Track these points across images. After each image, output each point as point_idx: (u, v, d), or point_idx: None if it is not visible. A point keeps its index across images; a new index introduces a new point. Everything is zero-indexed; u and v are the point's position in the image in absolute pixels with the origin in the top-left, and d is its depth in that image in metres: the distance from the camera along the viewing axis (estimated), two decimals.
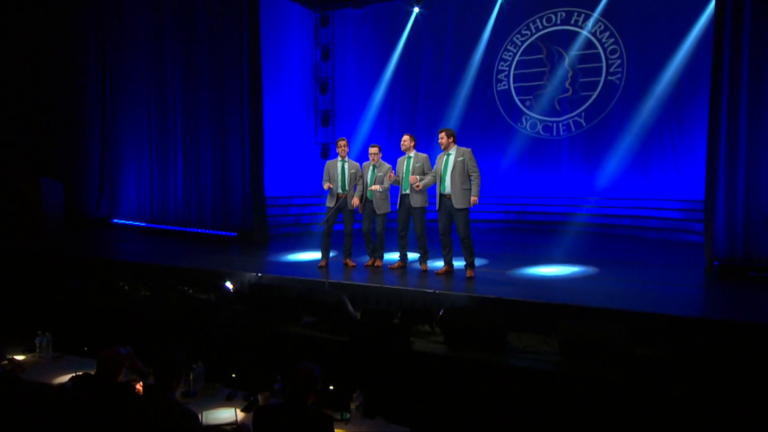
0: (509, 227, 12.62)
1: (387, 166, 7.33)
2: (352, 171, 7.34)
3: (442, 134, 6.76)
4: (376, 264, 7.38)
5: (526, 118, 13.16)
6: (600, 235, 11.18)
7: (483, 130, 13.52)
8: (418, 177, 6.92)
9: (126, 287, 6.52)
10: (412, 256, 7.41)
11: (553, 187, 12.79)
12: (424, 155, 7.10)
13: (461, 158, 6.67)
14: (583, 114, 12.57)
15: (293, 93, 14.13)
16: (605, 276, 6.88)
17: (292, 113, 13.98)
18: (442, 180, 6.75)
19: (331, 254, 7.89)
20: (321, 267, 7.33)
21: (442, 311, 5.30)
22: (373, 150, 7.35)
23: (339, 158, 7.43)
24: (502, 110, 13.41)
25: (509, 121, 13.32)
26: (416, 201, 7.00)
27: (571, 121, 12.68)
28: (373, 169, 7.36)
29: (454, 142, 6.82)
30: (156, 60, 11.27)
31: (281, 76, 13.73)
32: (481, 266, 7.37)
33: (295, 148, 13.86)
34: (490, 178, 13.01)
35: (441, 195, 6.78)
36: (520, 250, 9.46)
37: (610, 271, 7.24)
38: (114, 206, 12.29)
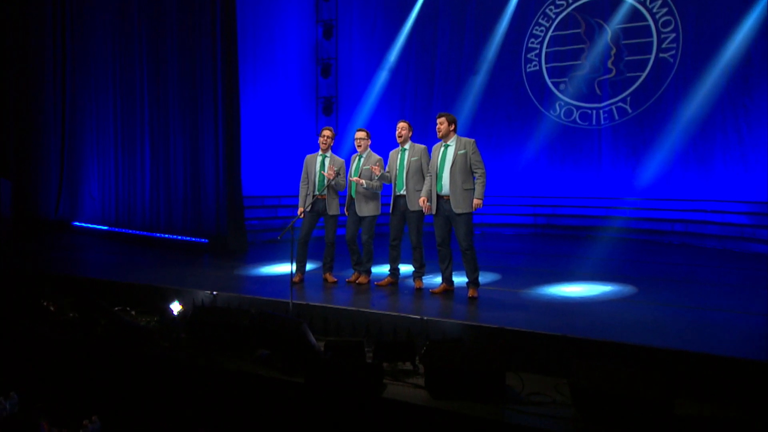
0: (537, 233, 12.09)
1: (376, 157, 6.70)
2: (334, 168, 6.65)
3: (442, 119, 6.08)
4: (359, 280, 6.75)
5: (560, 105, 12.60)
6: (646, 244, 10.49)
7: (509, 119, 13.03)
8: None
9: (51, 308, 5.93)
10: (406, 269, 6.74)
11: (591, 185, 12.17)
12: (422, 147, 6.46)
13: (462, 151, 5.96)
14: (628, 99, 11.97)
15: (290, 76, 13.61)
16: (644, 298, 6.13)
17: (288, 99, 13.47)
18: (438, 177, 6.06)
19: (312, 267, 7.32)
20: (294, 283, 6.66)
21: (427, 344, 4.60)
22: (359, 135, 6.70)
23: (320, 152, 6.79)
24: (531, 95, 12.89)
25: (540, 107, 12.78)
26: (413, 203, 6.35)
27: (613, 107, 12.08)
28: (360, 160, 6.69)
29: (455, 131, 6.14)
30: (121, 36, 10.83)
31: (275, 56, 13.21)
32: (489, 284, 6.77)
33: (291, 140, 13.27)
34: (516, 174, 12.65)
35: (438, 196, 6.12)
36: (543, 263, 8.80)
37: (651, 291, 6.50)
38: (75, 207, 11.89)
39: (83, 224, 11.62)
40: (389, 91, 13.91)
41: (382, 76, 13.92)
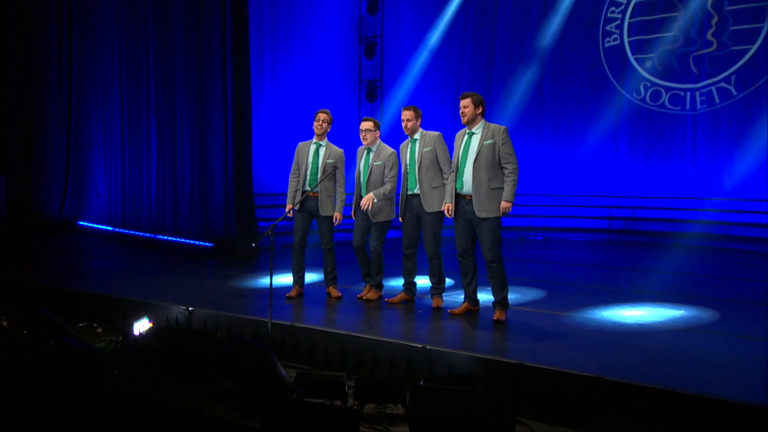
0: (612, 240, 11.62)
1: (389, 151, 6.22)
2: (330, 161, 6.25)
3: (467, 101, 5.51)
4: (368, 296, 6.29)
5: (645, 86, 11.98)
6: (747, 256, 9.69)
7: (583, 103, 12.53)
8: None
9: (5, 323, 5.71)
10: (424, 283, 6.24)
11: (682, 183, 11.53)
12: (435, 134, 5.97)
13: (490, 141, 5.41)
14: (732, 78, 11.28)
15: (329, 57, 13.30)
16: (724, 328, 5.35)
17: (326, 84, 13.13)
18: (459, 173, 5.53)
19: (318, 278, 6.94)
20: (289, 297, 6.35)
21: (422, 383, 4.12)
22: (365, 125, 6.24)
23: (314, 139, 6.36)
24: (610, 75, 12.33)
25: (620, 89, 12.21)
26: (431, 203, 5.84)
27: (714, 88, 11.42)
28: (368, 155, 6.23)
29: (483, 115, 5.57)
30: (127, 16, 10.84)
31: (312, 34, 12.94)
32: (527, 303, 6.25)
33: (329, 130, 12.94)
34: (589, 169, 12.24)
35: (459, 195, 5.57)
36: (607, 277, 8.23)
37: (736, 319, 5.70)
38: (81, 205, 11.95)
39: (89, 224, 11.69)
40: (442, 73, 13.50)
41: (434, 57, 13.48)
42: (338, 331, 5.15)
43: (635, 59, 11.95)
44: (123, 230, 10.80)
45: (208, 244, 9.00)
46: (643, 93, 11.89)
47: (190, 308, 5.83)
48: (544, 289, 6.83)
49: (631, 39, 12.00)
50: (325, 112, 6.34)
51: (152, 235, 10.03)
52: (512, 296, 6.25)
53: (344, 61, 13.66)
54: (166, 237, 9.82)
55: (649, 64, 11.83)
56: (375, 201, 5.97)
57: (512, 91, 12.71)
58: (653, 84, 11.79)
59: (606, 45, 12.24)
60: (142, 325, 5.57)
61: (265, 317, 5.45)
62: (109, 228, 11.10)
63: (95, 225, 11.50)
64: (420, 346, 4.72)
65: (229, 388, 4.61)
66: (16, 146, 11.50)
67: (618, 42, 12.13)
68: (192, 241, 9.32)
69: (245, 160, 8.94)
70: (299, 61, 12.67)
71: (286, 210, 6.26)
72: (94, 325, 6.06)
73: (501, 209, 5.34)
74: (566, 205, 12.10)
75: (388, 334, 5.13)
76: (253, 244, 5.75)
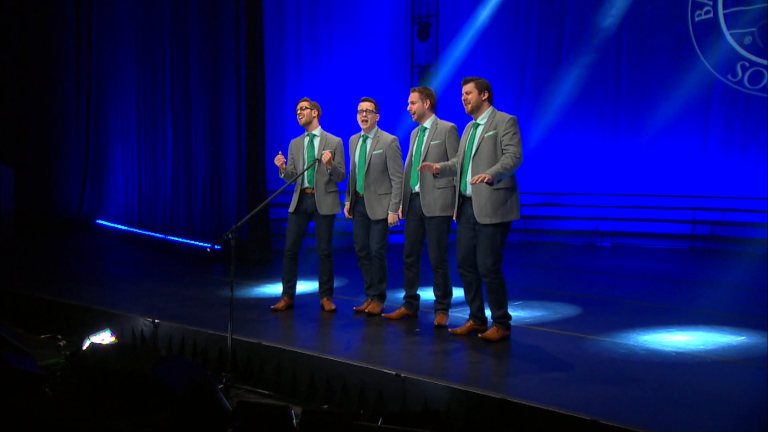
0: (695, 248, 11.17)
1: (389, 138, 5.91)
2: (326, 151, 6.00)
3: (469, 86, 5.17)
4: (369, 309, 5.95)
5: (742, 66, 11.51)
6: None
7: (666, 88, 12.19)
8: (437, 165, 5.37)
9: None
10: (428, 296, 5.91)
11: None
12: (448, 125, 5.56)
13: (491, 132, 5.03)
14: None
15: (377, 39, 13.22)
16: None
17: (374, 69, 13.03)
18: (462, 171, 5.16)
19: (311, 288, 6.79)
20: (276, 310, 6.10)
21: (381, 421, 3.80)
22: (364, 106, 5.91)
23: (306, 132, 6.17)
24: (700, 54, 11.96)
25: (712, 71, 11.86)
26: (431, 206, 5.46)
27: None
28: (365, 142, 5.96)
29: (489, 102, 5.18)
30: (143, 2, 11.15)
31: (358, 12, 12.90)
32: (552, 323, 5.82)
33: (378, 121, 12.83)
34: (672, 165, 12.03)
35: (462, 197, 5.19)
36: (668, 293, 7.65)
37: None
38: (101, 202, 12.22)
39: (107, 223, 11.94)
40: (504, 57, 13.33)
41: (495, 39, 13.26)
42: (307, 352, 4.81)
43: (731, 35, 11.60)
44: (138, 230, 10.99)
45: (218, 246, 8.89)
46: (740, 75, 11.51)
47: (156, 320, 5.67)
48: (582, 305, 6.35)
49: (726, 11, 11.60)
50: (305, 101, 6.15)
51: (165, 236, 10.14)
52: (539, 313, 6.01)
53: (394, 43, 13.57)
54: (178, 239, 9.91)
55: (748, 40, 11.43)
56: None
57: (584, 77, 12.44)
58: (753, 64, 11.35)
59: (696, 19, 11.87)
60: (100, 339, 5.48)
61: (238, 332, 5.22)
62: (125, 228, 11.36)
63: (113, 224, 11.74)
64: (393, 373, 4.33)
65: (166, 418, 4.38)
66: (31, 138, 11.80)
67: (711, 15, 11.76)
68: (203, 244, 9.29)
69: (258, 158, 8.94)
70: (343, 44, 12.60)
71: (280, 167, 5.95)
72: (58, 337, 5.97)
73: (474, 178, 4.76)
74: (642, 206, 11.74)
75: (366, 357, 4.79)
76: (209, 249, 5.51)
